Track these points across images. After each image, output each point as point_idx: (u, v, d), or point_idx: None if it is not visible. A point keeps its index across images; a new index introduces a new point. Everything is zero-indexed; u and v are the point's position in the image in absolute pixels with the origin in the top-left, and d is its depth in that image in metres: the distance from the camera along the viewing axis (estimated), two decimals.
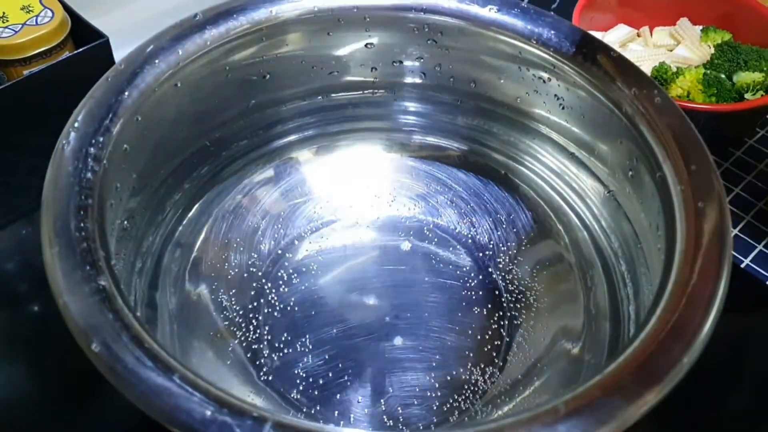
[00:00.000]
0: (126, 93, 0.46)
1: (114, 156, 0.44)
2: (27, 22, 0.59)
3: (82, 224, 0.39)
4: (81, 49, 0.59)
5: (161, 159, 0.50)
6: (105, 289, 0.37)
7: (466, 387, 0.48)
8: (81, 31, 0.62)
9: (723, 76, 0.69)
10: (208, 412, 0.32)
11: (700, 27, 0.75)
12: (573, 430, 0.32)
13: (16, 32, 0.58)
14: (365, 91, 0.58)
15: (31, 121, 0.57)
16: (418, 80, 0.57)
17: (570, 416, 0.33)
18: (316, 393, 0.47)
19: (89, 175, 0.42)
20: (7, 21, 0.59)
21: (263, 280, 0.52)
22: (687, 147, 0.44)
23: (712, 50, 0.73)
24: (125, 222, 0.47)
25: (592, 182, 0.52)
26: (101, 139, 0.43)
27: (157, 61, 0.48)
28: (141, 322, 0.36)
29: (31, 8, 0.60)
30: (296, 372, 0.47)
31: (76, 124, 0.44)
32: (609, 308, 0.49)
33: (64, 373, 0.50)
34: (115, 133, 0.44)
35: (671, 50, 0.74)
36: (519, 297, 0.52)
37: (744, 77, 0.68)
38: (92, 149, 0.43)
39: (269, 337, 0.49)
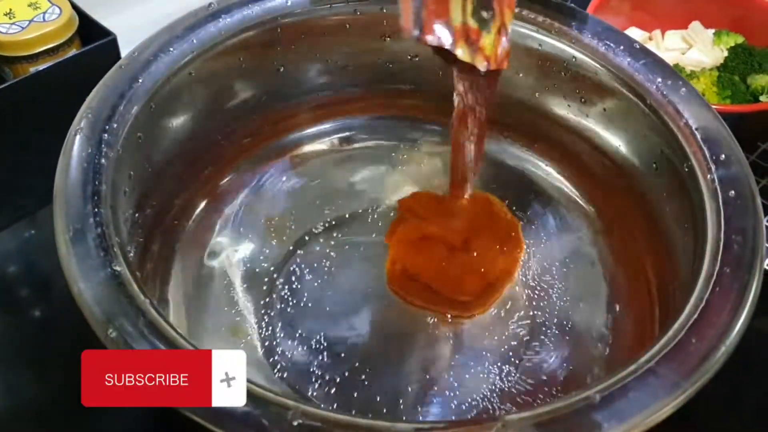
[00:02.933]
0: (140, 80, 0.45)
1: (128, 143, 0.43)
2: (34, 19, 0.58)
3: (96, 210, 0.38)
4: (88, 47, 0.59)
5: (174, 150, 0.49)
6: (120, 275, 0.36)
7: (484, 386, 0.47)
8: (88, 29, 0.61)
9: (737, 78, 0.69)
10: None
11: (713, 30, 0.75)
12: (610, 419, 0.31)
13: (22, 29, 0.57)
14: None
15: (36, 119, 0.56)
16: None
17: (605, 405, 0.32)
18: (333, 391, 0.45)
19: (103, 160, 0.40)
20: (14, 17, 0.58)
21: (275, 276, 0.51)
22: (714, 137, 0.43)
23: (725, 53, 0.72)
24: (137, 214, 0.46)
25: (615, 176, 0.51)
26: (115, 125, 0.43)
27: (171, 49, 0.47)
28: (157, 308, 0.35)
29: (38, 5, 0.59)
30: (312, 370, 0.46)
31: (88, 111, 0.43)
32: (634, 304, 0.48)
33: (68, 378, 0.48)
34: (129, 120, 0.43)
35: (683, 54, 0.74)
36: (540, 294, 0.51)
37: (758, 80, 0.68)
38: (106, 135, 0.42)
39: (282, 334, 0.48)
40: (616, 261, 0.51)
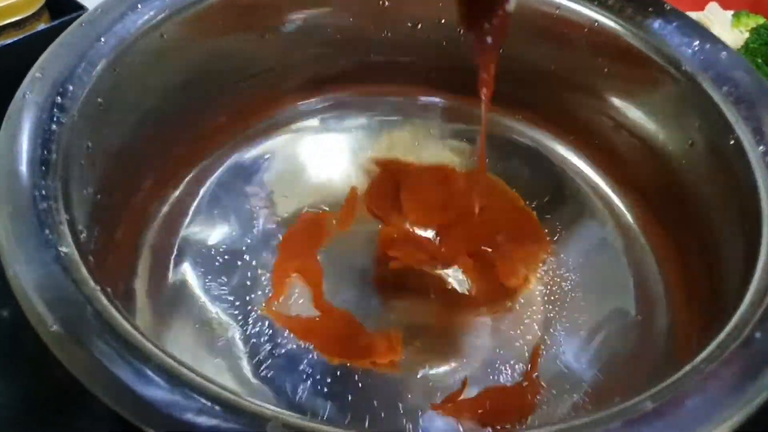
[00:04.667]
0: (103, 40, 0.39)
1: (86, 109, 0.37)
2: None
3: (43, 182, 0.32)
4: (57, 21, 0.56)
5: (143, 123, 0.43)
6: (67, 257, 0.30)
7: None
8: (58, 1, 0.58)
9: (760, 60, 0.64)
10: (193, 408, 0.25)
11: (731, 12, 0.71)
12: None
13: None
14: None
15: (1, 97, 0.50)
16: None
17: (659, 416, 0.26)
18: (325, 391, 0.39)
19: (54, 126, 0.35)
20: None
21: (257, 266, 0.45)
22: (762, 104, 0.37)
23: (745, 35, 0.68)
24: (99, 194, 0.40)
25: (643, 156, 0.45)
26: (71, 88, 0.37)
27: (140, 6, 0.41)
28: (111, 298, 0.29)
29: None
30: (301, 368, 0.40)
31: (41, 70, 0.37)
32: (666, 297, 0.42)
33: (38, 383, 0.43)
34: (89, 84, 0.38)
35: None
36: (554, 289, 0.45)
37: None
38: (59, 98, 0.36)
39: (268, 329, 0.42)
40: (645, 251, 0.46)
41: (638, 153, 0.47)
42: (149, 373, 0.26)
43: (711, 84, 0.40)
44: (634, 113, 0.46)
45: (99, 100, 0.38)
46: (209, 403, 0.26)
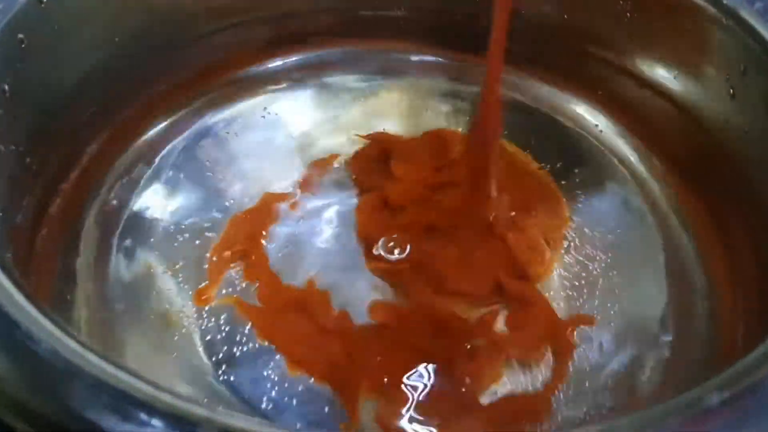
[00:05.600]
0: None
1: (4, 47, 0.31)
2: None
3: None
4: None
5: (82, 75, 0.37)
6: None
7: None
8: None
9: None
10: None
11: None
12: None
13: None
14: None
15: None
16: None
17: (727, 410, 0.19)
18: (293, 403, 0.32)
19: None
20: None
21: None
22: None
23: None
24: (28, 158, 0.34)
25: (674, 115, 0.39)
26: None
27: None
28: (11, 271, 0.23)
29: None
30: (267, 373, 0.33)
31: None
32: (704, 279, 0.36)
33: None
34: (6, 17, 0.31)
35: None
36: (578, 270, 0.38)
37: None
38: None
39: (229, 325, 0.35)
40: (678, 228, 0.39)
41: (668, 111, 0.41)
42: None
43: (757, 18, 0.33)
44: (660, 66, 0.41)
45: (21, 37, 0.32)
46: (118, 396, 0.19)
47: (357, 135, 0.43)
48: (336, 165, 0.42)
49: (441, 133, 0.43)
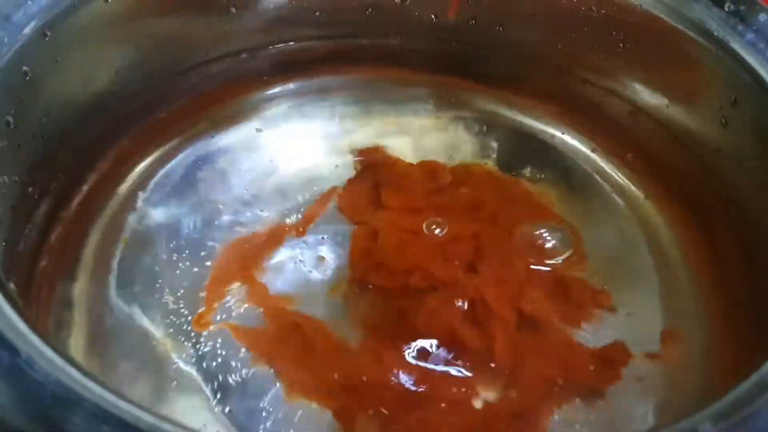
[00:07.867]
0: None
1: (8, 78, 0.32)
2: None
3: None
4: None
5: (84, 104, 0.38)
6: None
7: None
8: None
9: None
10: None
11: None
12: None
13: None
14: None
15: None
16: None
17: None
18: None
19: None
20: None
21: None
22: None
23: None
24: (30, 187, 0.35)
25: (667, 142, 0.40)
26: None
27: None
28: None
29: None
30: (262, 405, 0.33)
31: None
32: (698, 307, 0.36)
33: None
34: (13, 47, 0.32)
35: None
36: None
37: None
38: None
39: (226, 352, 0.35)
40: (672, 252, 0.40)
41: (661, 140, 0.41)
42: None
43: (749, 50, 0.34)
44: (653, 94, 0.41)
45: (25, 69, 0.33)
46: None
47: (355, 150, 0.44)
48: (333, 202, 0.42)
49: (432, 164, 0.44)
